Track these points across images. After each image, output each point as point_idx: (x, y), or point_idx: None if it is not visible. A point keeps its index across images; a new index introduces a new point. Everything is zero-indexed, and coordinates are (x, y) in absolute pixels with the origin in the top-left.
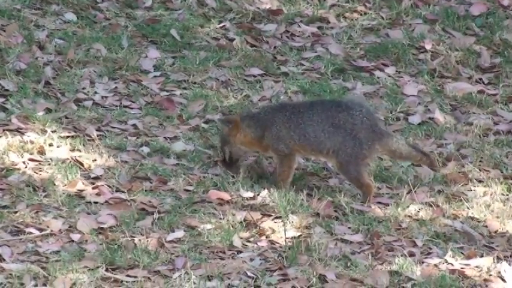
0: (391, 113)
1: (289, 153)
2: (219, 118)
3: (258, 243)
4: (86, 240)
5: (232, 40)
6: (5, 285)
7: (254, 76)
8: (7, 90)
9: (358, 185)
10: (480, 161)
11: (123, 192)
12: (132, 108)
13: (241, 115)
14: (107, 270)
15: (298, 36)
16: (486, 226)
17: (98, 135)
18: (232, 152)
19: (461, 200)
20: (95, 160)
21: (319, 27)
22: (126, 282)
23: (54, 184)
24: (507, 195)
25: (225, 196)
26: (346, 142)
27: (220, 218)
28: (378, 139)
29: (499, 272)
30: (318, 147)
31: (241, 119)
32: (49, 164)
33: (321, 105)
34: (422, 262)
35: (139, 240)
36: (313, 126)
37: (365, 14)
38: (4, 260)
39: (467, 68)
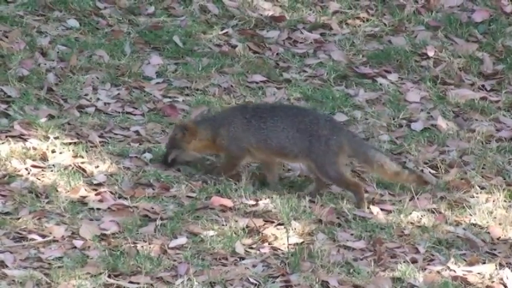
0: (393, 120)
1: (239, 156)
2: (176, 124)
3: (261, 250)
4: (89, 247)
5: (234, 47)
6: None
7: (256, 83)
8: (10, 96)
9: (345, 186)
10: (483, 168)
11: (125, 198)
12: (134, 115)
13: (197, 120)
14: (109, 276)
15: (300, 43)
16: (488, 233)
17: (100, 142)
18: (179, 156)
19: (463, 207)
20: (98, 166)
21: (321, 34)
22: None
23: (57, 190)
24: (509, 201)
25: (228, 203)
26: (315, 146)
27: (223, 225)
28: (342, 135)
29: (501, 279)
30: (281, 151)
31: (197, 124)
32: (52, 171)
33: (284, 111)
34: (425, 269)
35: (142, 246)
36: (277, 133)
37: (368, 20)
38: (7, 266)
39: (469, 75)
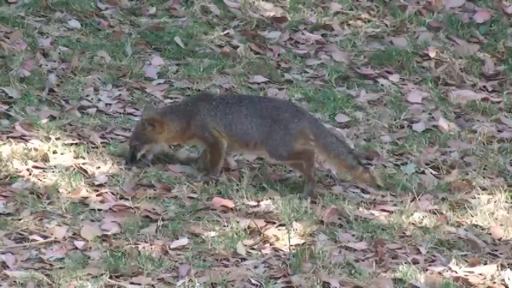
0: (395, 121)
1: (216, 141)
2: (144, 119)
3: (262, 251)
4: (90, 248)
5: (236, 47)
6: None
7: (258, 83)
8: (11, 97)
9: (295, 159)
10: (484, 169)
11: (127, 199)
12: (136, 116)
13: (161, 112)
14: (110, 277)
15: (302, 44)
16: (490, 234)
17: (101, 143)
18: (149, 150)
19: (465, 208)
20: (99, 167)
21: (323, 35)
22: None
23: (58, 191)
24: (511, 202)
25: (229, 203)
26: (274, 130)
27: (224, 226)
28: (305, 120)
29: (503, 280)
30: (244, 138)
31: (163, 116)
32: (53, 171)
33: (249, 99)
34: (426, 269)
35: (143, 247)
36: (241, 118)
37: (369, 21)
38: (8, 267)
39: (471, 76)
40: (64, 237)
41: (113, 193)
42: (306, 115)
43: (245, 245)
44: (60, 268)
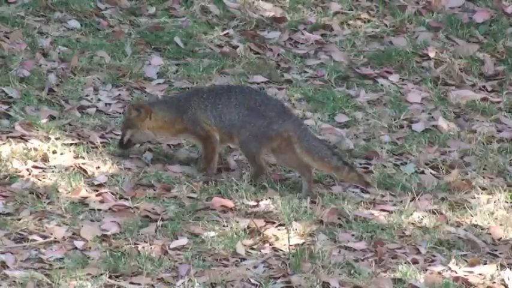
0: (394, 121)
1: (208, 135)
2: (130, 104)
3: (262, 251)
4: (90, 248)
5: (235, 47)
6: None
7: (258, 83)
8: (11, 97)
9: (252, 163)
10: (484, 169)
11: (126, 199)
12: None
13: (151, 101)
14: (110, 277)
15: (301, 44)
16: (490, 233)
17: (101, 143)
18: (134, 136)
19: (464, 208)
20: (99, 167)
21: (322, 35)
22: None
23: (58, 191)
24: (511, 202)
25: (229, 203)
26: (255, 121)
27: (224, 225)
28: (289, 122)
29: (503, 280)
30: (232, 130)
31: (151, 105)
32: (53, 171)
33: (239, 89)
34: (426, 269)
35: (143, 247)
36: (230, 109)
37: (368, 21)
38: (8, 267)
39: (470, 76)
40: (64, 237)
41: (112, 193)
42: (292, 117)
43: (245, 245)
44: (60, 268)
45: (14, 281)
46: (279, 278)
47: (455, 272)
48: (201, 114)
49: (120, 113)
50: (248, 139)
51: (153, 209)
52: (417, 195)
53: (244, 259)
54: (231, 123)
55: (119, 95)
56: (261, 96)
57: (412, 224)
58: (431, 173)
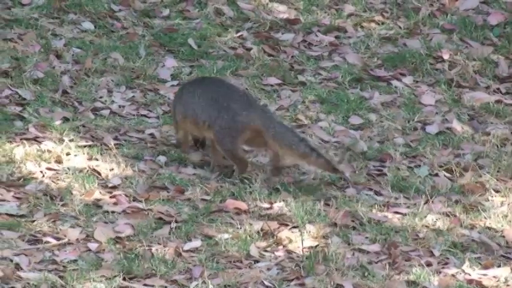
0: (408, 123)
1: (177, 126)
2: None
3: (275, 253)
4: (103, 250)
5: (249, 49)
6: None
7: (271, 85)
8: (24, 99)
9: (233, 159)
10: (497, 171)
11: (140, 201)
12: (149, 117)
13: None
14: (124, 279)
15: (315, 46)
16: (503, 236)
17: (115, 144)
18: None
19: (478, 210)
20: (112, 169)
21: (336, 37)
22: None
23: (72, 193)
24: None
25: (242, 205)
26: (221, 114)
27: (238, 228)
28: (254, 112)
29: None
30: (195, 119)
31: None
32: (66, 173)
33: (209, 80)
34: (440, 272)
35: (157, 249)
36: (194, 98)
37: (382, 23)
38: (21, 269)
39: (484, 78)
40: (77, 239)
41: (126, 195)
42: (256, 107)
43: (258, 247)
44: (74, 270)
45: (28, 283)
46: (292, 280)
47: (469, 275)
48: (173, 109)
49: (134, 115)
50: (220, 134)
51: (167, 211)
52: (431, 198)
53: (257, 261)
54: (193, 111)
55: (133, 96)
56: (224, 88)
57: (426, 226)
58: (445, 175)
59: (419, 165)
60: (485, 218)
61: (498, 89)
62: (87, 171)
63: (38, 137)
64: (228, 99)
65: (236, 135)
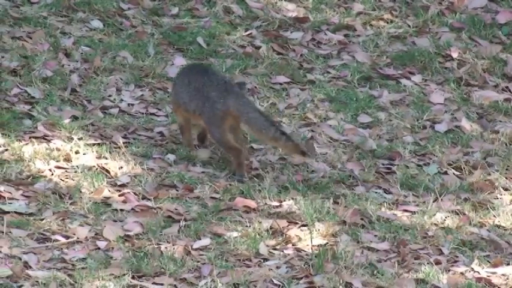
0: (417, 121)
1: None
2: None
3: (285, 251)
4: (112, 248)
5: (258, 48)
6: None
7: (280, 84)
8: (33, 97)
9: (226, 149)
10: (507, 169)
11: (149, 199)
12: (158, 116)
13: None
14: (133, 277)
15: (324, 44)
16: None
17: (124, 143)
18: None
19: (487, 208)
20: (121, 167)
21: (345, 35)
22: None
23: (81, 191)
24: None
25: (252, 204)
26: (205, 104)
27: (247, 226)
28: (230, 98)
29: None
30: (186, 107)
31: None
32: (75, 172)
33: (188, 69)
34: (449, 270)
35: (166, 247)
36: (184, 87)
37: (391, 22)
38: (30, 267)
39: (493, 76)
40: (86, 237)
41: (135, 193)
42: (232, 93)
43: (267, 246)
44: (83, 268)
45: (37, 281)
46: (301, 278)
47: (478, 273)
48: (172, 95)
49: (143, 113)
50: (207, 123)
51: (176, 209)
52: (440, 196)
53: (267, 259)
54: (184, 101)
55: (142, 95)
56: (205, 76)
57: (435, 224)
58: (454, 173)
59: (429, 164)
60: (494, 216)
61: (507, 87)
62: (96, 169)
63: (46, 136)
64: (208, 88)
65: (220, 124)
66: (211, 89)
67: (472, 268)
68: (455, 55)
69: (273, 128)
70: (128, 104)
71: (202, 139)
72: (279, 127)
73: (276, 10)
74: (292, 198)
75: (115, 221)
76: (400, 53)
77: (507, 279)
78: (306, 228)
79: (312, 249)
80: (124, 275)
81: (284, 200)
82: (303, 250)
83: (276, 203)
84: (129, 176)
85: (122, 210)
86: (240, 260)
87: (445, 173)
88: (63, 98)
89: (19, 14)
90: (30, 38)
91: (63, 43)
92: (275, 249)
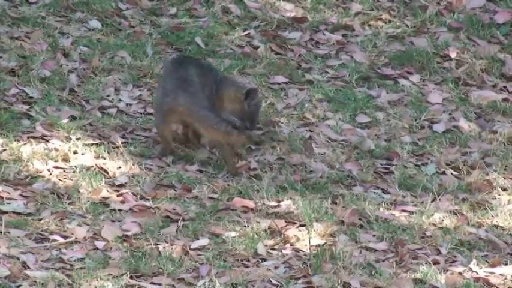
0: (415, 121)
1: None
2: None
3: (283, 251)
4: (111, 248)
5: (256, 48)
6: None
7: (279, 84)
8: (31, 97)
9: (159, 135)
10: (505, 169)
11: (147, 199)
12: None
13: None
14: (131, 277)
15: (322, 44)
16: (511, 234)
17: (122, 143)
18: None
19: (485, 208)
20: (120, 167)
21: (343, 35)
22: None
23: (79, 191)
24: None
25: (250, 204)
26: (157, 92)
27: (245, 226)
28: (180, 96)
29: None
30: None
31: None
32: (73, 172)
33: (168, 63)
34: (447, 270)
35: (164, 247)
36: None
37: (390, 22)
38: (28, 267)
39: (491, 76)
40: (84, 237)
41: (133, 193)
42: (187, 91)
43: (265, 246)
44: (81, 268)
45: (35, 281)
46: (299, 278)
47: (476, 273)
48: None
49: (141, 113)
50: (154, 109)
51: (174, 209)
52: (438, 196)
53: (265, 259)
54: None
55: (140, 95)
56: (169, 69)
57: (433, 224)
58: (452, 173)
59: (427, 164)
60: (492, 216)
61: (505, 87)
62: (94, 169)
63: (45, 136)
64: (169, 80)
65: (164, 114)
66: (170, 81)
67: (470, 268)
68: (453, 55)
69: (224, 124)
70: (126, 104)
71: (198, 138)
72: (229, 122)
73: (274, 10)
74: (290, 198)
75: (113, 221)
76: (398, 53)
77: (505, 279)
78: (304, 228)
79: (310, 249)
80: (122, 275)
81: (282, 200)
82: (301, 250)
83: (274, 203)
84: (127, 176)
85: (120, 210)
86: (238, 260)
87: (443, 173)
88: (62, 98)
89: (17, 14)
90: (29, 38)
91: (62, 43)
92: (273, 249)
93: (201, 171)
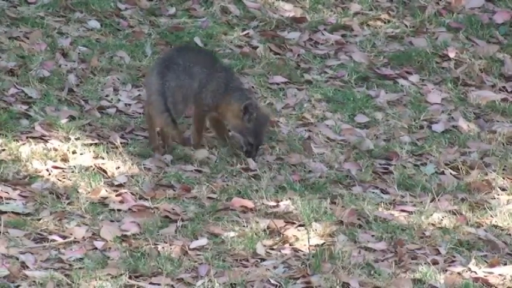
0: (414, 121)
1: None
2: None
3: (282, 251)
4: (110, 248)
5: (255, 48)
6: None
7: (277, 84)
8: (30, 97)
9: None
10: (504, 169)
11: (146, 199)
12: None
13: None
14: (130, 277)
15: (321, 44)
16: (509, 234)
17: (121, 143)
18: None
19: (484, 208)
20: (119, 167)
21: (342, 35)
22: None
23: (78, 191)
24: None
25: (249, 204)
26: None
27: (244, 226)
28: (150, 78)
29: None
30: None
31: None
32: (72, 172)
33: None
34: (446, 270)
35: (163, 247)
36: None
37: (389, 22)
38: (28, 267)
39: (490, 76)
40: (83, 237)
41: (132, 193)
42: (156, 76)
43: (264, 245)
44: (80, 268)
45: (34, 281)
46: (298, 278)
47: (475, 273)
48: None
49: (140, 113)
50: None
51: (173, 209)
52: (437, 196)
53: (264, 259)
54: None
55: (139, 95)
56: (165, 56)
57: (432, 224)
58: (451, 173)
59: (426, 164)
60: (491, 216)
61: (504, 87)
62: (93, 169)
63: (44, 136)
64: (155, 64)
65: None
66: (156, 64)
67: (469, 268)
68: (452, 55)
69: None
70: (125, 104)
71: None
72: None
73: (273, 10)
74: (289, 198)
75: (112, 221)
76: (397, 53)
77: (504, 279)
78: (303, 228)
79: (309, 249)
80: (121, 275)
81: (281, 200)
82: (300, 250)
83: (273, 203)
84: (126, 176)
85: (119, 210)
86: (237, 260)
87: (442, 173)
88: (61, 98)
89: (16, 14)
90: (28, 38)
91: (61, 43)
92: (272, 249)
93: (200, 171)
